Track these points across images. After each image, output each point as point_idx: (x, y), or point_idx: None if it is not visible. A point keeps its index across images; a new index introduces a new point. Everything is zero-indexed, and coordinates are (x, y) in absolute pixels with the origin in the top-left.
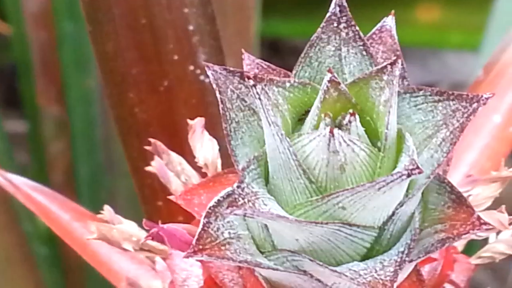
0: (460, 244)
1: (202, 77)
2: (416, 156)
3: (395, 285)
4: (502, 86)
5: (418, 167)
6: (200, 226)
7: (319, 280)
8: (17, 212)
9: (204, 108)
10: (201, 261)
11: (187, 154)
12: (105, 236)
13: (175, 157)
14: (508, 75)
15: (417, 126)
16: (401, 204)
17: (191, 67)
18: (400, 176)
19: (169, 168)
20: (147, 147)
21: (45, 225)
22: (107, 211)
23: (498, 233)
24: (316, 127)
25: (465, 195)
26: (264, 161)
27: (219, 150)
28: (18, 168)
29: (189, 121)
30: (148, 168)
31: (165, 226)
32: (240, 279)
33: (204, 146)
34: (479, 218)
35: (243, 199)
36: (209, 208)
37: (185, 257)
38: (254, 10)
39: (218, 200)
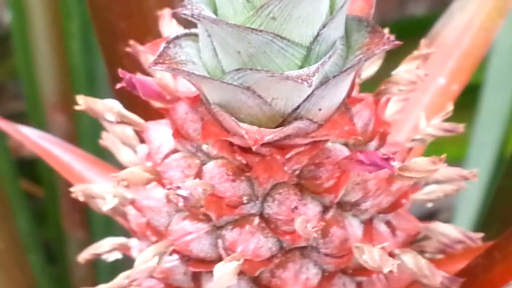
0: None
1: None
2: None
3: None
4: (444, 52)
5: None
6: (161, 48)
7: (260, 97)
8: None
9: None
10: (169, 117)
11: None
12: (91, 107)
13: None
14: (448, 44)
15: None
16: (323, 25)
17: None
18: None
19: None
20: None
21: None
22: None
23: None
24: None
25: None
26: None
27: None
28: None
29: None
30: None
31: (137, 76)
32: (199, 128)
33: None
34: (389, 38)
35: (191, 6)
36: (170, 39)
37: (149, 66)
38: None
39: (177, 35)
